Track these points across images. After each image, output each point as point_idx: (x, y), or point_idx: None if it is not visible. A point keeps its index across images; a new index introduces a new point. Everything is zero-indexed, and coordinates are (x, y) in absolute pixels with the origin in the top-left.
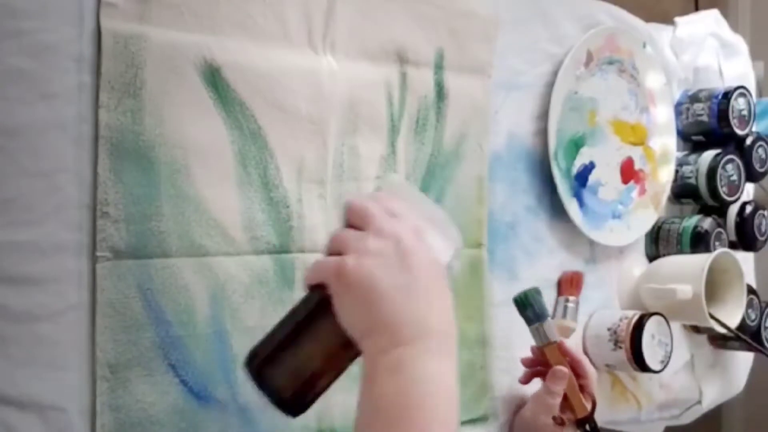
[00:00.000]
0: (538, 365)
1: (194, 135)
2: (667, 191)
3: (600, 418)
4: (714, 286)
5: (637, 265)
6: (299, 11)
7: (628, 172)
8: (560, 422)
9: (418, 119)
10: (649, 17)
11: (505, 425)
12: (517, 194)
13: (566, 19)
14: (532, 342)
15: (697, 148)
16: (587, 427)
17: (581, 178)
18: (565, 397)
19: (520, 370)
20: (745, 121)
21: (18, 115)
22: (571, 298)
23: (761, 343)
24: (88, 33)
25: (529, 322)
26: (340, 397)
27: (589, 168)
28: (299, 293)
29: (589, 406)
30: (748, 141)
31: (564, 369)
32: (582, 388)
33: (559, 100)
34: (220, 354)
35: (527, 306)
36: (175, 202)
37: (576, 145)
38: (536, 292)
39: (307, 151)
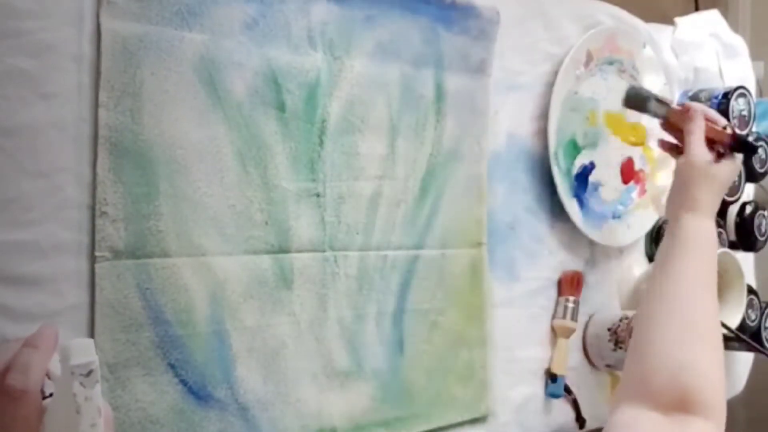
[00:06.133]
0: (675, 137)
1: (193, 134)
2: (667, 191)
3: (600, 418)
4: None
5: (637, 265)
6: (299, 11)
7: (628, 173)
8: (718, 154)
9: (418, 119)
10: (649, 17)
11: (506, 425)
12: (517, 194)
13: (566, 19)
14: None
15: None
16: (746, 144)
17: (581, 178)
18: (709, 141)
19: (520, 369)
20: (745, 121)
21: (18, 115)
22: (571, 298)
23: (761, 343)
24: (88, 32)
25: (644, 109)
26: (340, 397)
27: (589, 168)
28: (297, 293)
29: (731, 132)
30: None
31: (695, 106)
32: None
33: (559, 100)
34: (220, 354)
35: (635, 98)
36: (174, 202)
37: (576, 145)
38: (635, 87)
39: (306, 151)
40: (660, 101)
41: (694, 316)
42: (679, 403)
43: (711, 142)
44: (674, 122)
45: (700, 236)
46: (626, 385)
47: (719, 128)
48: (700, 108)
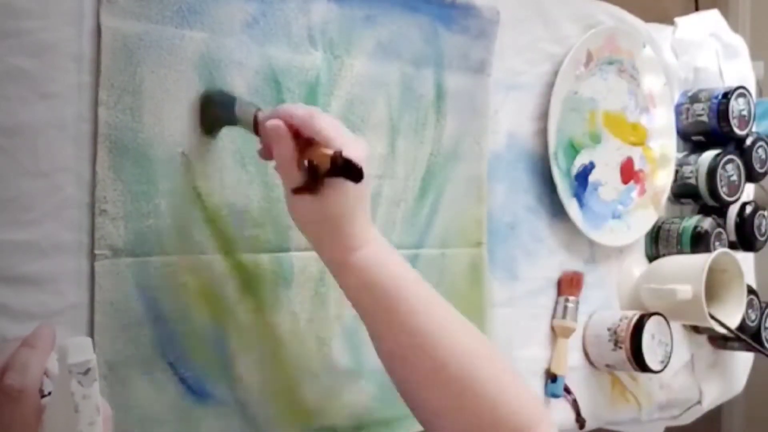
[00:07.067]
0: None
1: (193, 133)
2: (666, 191)
3: (600, 418)
4: (714, 286)
5: (637, 265)
6: (299, 10)
7: (628, 173)
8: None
9: (418, 118)
10: (649, 17)
11: None
12: (517, 194)
13: (566, 19)
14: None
15: (697, 148)
16: (345, 168)
17: (581, 178)
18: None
19: (520, 369)
20: (745, 121)
21: (18, 115)
22: (571, 298)
23: (761, 343)
24: (88, 32)
25: (231, 120)
26: (341, 396)
27: (589, 168)
28: (297, 291)
29: (330, 152)
30: (748, 141)
31: (276, 120)
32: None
33: (559, 100)
34: (219, 352)
35: (217, 103)
36: (173, 200)
37: (576, 145)
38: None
39: None
40: (244, 105)
41: (457, 364)
42: None
43: (311, 166)
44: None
45: (377, 285)
46: None
47: (320, 149)
48: (286, 120)
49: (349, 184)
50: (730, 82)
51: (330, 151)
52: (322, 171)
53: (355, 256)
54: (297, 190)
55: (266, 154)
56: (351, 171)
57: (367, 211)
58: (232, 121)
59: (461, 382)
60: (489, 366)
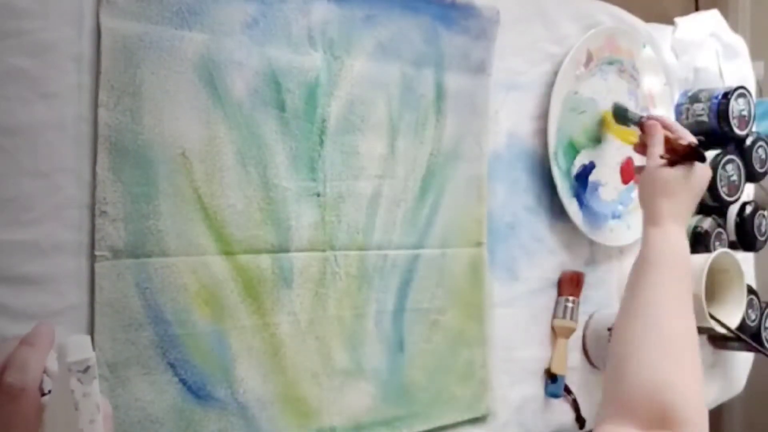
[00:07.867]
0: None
1: (193, 134)
2: None
3: None
4: (714, 286)
5: None
6: (299, 10)
7: (628, 173)
8: (669, 159)
9: (418, 118)
10: (649, 17)
11: (505, 425)
12: (517, 194)
13: (566, 19)
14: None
15: None
16: (697, 153)
17: (581, 178)
18: (670, 151)
19: (520, 369)
20: (745, 121)
21: (18, 115)
22: (571, 298)
23: (761, 343)
24: (88, 32)
25: (625, 121)
26: (340, 396)
27: (589, 168)
28: (297, 292)
29: (686, 143)
30: (748, 141)
31: (651, 120)
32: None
33: (559, 100)
34: (219, 353)
35: (619, 113)
36: (173, 201)
37: (576, 145)
38: (618, 104)
39: (306, 151)
40: (633, 113)
41: (669, 334)
42: (660, 422)
43: (673, 153)
44: (643, 137)
45: (666, 250)
46: (607, 404)
47: (673, 137)
48: (659, 120)
49: (701, 165)
50: (730, 82)
51: (686, 142)
52: (680, 154)
53: (674, 222)
54: (672, 163)
55: (640, 148)
56: (699, 157)
57: (681, 210)
58: (625, 121)
59: (664, 345)
60: (693, 359)
